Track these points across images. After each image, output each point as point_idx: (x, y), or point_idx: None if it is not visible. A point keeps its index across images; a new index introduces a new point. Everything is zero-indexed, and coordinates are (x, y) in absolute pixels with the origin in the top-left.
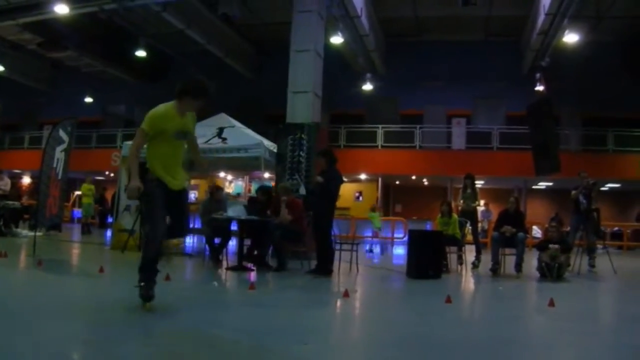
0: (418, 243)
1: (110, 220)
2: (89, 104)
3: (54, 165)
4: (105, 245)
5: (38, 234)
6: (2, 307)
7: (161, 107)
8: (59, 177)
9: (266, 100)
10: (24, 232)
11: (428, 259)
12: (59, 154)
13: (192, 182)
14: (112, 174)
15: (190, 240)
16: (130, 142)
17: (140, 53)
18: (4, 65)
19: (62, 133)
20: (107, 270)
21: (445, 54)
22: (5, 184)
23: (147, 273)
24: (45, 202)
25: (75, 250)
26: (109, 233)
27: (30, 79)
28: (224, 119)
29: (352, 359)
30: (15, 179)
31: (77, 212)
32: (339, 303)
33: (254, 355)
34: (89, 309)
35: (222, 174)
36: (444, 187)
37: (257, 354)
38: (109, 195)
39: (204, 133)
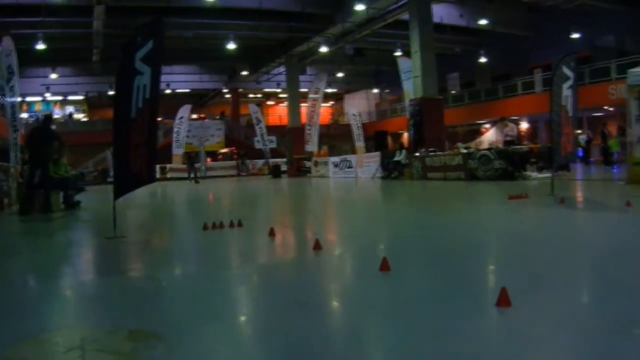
0: None
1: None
2: (575, 40)
3: (563, 103)
4: (618, 180)
5: (548, 175)
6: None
7: None
8: (570, 114)
9: None
10: (534, 174)
11: None
12: (566, 91)
13: None
14: (611, 108)
15: None
16: (635, 70)
17: None
18: (487, 19)
19: (566, 70)
20: (634, 204)
21: None
22: (511, 129)
23: None
24: (559, 141)
25: (590, 188)
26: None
27: (513, 28)
28: None
29: None
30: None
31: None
32: None
33: None
34: None
35: None
36: None
37: None
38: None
39: None
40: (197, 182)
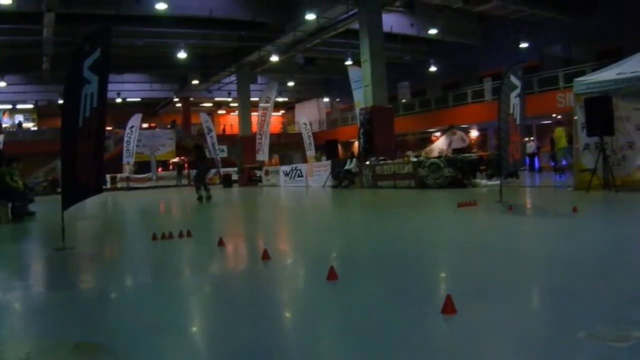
0: None
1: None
2: (524, 49)
3: (511, 111)
4: (565, 187)
5: (497, 182)
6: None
7: None
8: (517, 122)
9: None
10: (483, 182)
11: None
12: (513, 99)
13: None
14: (559, 116)
15: None
16: (581, 79)
17: None
18: (437, 28)
19: (513, 79)
20: (580, 210)
21: None
22: (459, 137)
23: None
24: (507, 149)
25: (538, 194)
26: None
27: (463, 37)
28: None
29: None
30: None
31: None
32: None
33: None
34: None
35: None
36: None
37: None
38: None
39: None
40: (208, 198)
